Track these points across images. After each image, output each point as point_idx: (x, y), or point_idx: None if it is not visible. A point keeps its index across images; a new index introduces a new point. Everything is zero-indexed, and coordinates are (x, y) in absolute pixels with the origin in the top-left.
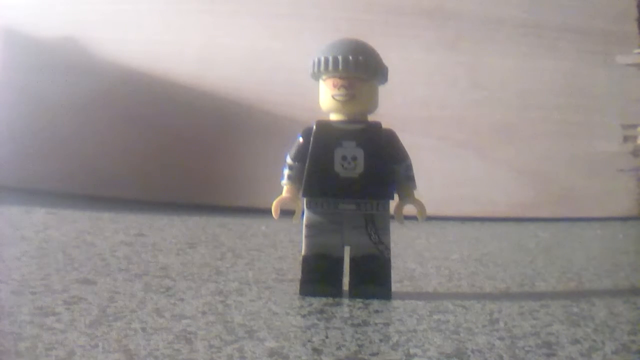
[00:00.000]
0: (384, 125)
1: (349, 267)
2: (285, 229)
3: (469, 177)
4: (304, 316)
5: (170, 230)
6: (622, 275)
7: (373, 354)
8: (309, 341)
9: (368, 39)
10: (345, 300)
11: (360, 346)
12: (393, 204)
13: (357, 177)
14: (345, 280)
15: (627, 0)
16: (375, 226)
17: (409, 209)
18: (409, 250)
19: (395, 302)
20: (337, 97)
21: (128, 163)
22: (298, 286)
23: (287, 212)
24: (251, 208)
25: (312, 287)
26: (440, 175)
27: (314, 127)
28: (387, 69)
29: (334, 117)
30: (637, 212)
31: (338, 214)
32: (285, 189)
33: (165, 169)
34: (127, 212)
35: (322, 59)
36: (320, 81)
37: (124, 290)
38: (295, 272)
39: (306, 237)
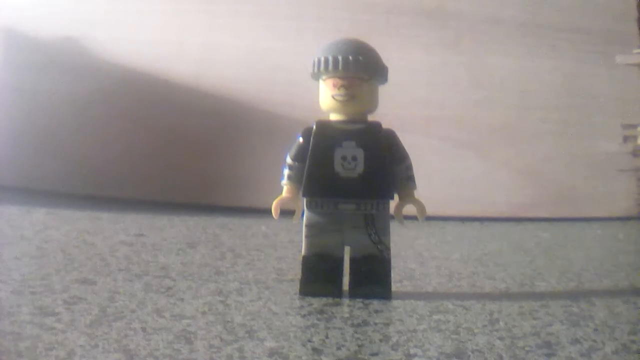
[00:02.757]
0: (384, 125)
1: (349, 267)
2: (285, 229)
3: (469, 177)
4: (304, 316)
5: (170, 230)
6: (622, 275)
7: (373, 354)
8: (309, 341)
9: (368, 39)
10: (345, 300)
11: (360, 346)
12: (393, 204)
13: (357, 177)
14: (345, 280)
15: (627, 0)
16: (375, 226)
17: (409, 209)
18: (409, 250)
19: (395, 302)
20: (337, 97)
21: (128, 163)
22: (298, 286)
23: (287, 212)
24: (251, 208)
25: (312, 287)
26: (440, 175)
27: (314, 127)
28: (387, 69)
29: (334, 117)
30: (637, 212)
31: (338, 214)
32: (285, 189)
33: (165, 169)
34: (127, 212)
35: (322, 59)
36: (321, 81)
37: (124, 290)
38: (295, 272)
39: (306, 237)
